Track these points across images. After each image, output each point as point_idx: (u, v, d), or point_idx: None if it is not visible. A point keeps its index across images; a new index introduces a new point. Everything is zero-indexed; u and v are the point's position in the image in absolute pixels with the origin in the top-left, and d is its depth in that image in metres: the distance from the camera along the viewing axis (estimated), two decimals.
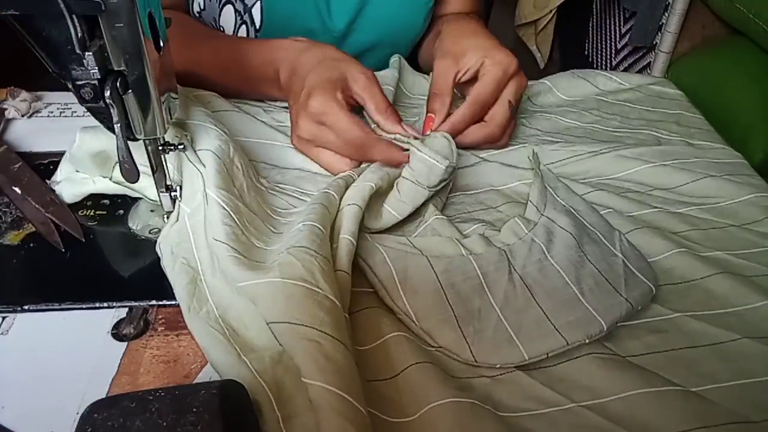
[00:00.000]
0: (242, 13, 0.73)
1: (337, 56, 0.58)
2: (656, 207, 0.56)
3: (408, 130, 0.55)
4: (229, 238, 0.44)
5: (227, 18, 0.73)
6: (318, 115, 0.54)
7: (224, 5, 0.72)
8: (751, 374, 0.41)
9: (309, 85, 0.55)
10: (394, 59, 0.73)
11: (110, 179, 0.52)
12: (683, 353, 0.43)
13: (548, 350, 0.41)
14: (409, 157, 0.53)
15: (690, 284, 0.48)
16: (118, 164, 0.51)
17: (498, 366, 0.41)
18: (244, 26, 0.74)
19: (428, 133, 0.57)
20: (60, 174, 0.53)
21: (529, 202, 0.54)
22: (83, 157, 0.50)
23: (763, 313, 0.45)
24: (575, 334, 0.42)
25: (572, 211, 0.52)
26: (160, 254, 0.47)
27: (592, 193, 0.57)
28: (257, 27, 0.73)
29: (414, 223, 0.53)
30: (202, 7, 0.73)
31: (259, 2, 0.72)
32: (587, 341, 0.42)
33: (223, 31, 0.75)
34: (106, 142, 0.49)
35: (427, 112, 0.60)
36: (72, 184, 0.52)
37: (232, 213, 0.46)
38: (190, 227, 0.47)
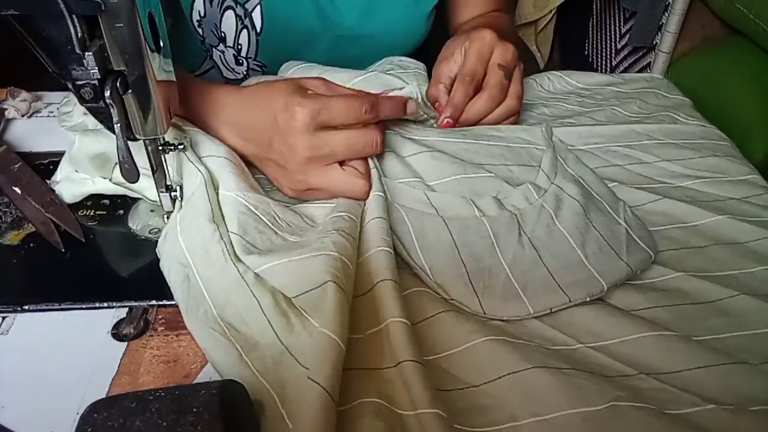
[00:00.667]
0: (243, 17, 0.73)
1: (275, 80, 0.57)
2: (661, 181, 0.58)
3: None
4: (244, 230, 0.45)
5: (228, 23, 0.73)
6: (312, 116, 0.49)
7: (225, 10, 0.72)
8: (748, 327, 0.44)
9: (279, 109, 0.50)
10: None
11: (110, 180, 0.52)
12: (683, 308, 0.45)
13: (552, 305, 0.44)
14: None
15: (690, 251, 0.51)
16: (117, 165, 0.51)
17: (505, 318, 0.44)
18: (245, 30, 0.74)
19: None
20: (60, 174, 0.53)
21: (540, 170, 0.56)
22: (82, 158, 0.50)
23: (762, 277, 0.48)
24: (577, 293, 0.45)
25: (581, 180, 0.55)
26: (159, 256, 0.47)
27: (601, 168, 0.60)
28: (258, 30, 0.73)
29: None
30: (202, 15, 0.73)
31: (259, 6, 0.72)
32: (588, 299, 0.45)
33: (224, 37, 0.75)
34: (106, 144, 0.49)
35: (430, 101, 0.61)
36: (72, 184, 0.52)
37: (252, 207, 0.47)
38: (179, 223, 0.46)
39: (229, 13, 0.73)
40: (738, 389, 0.39)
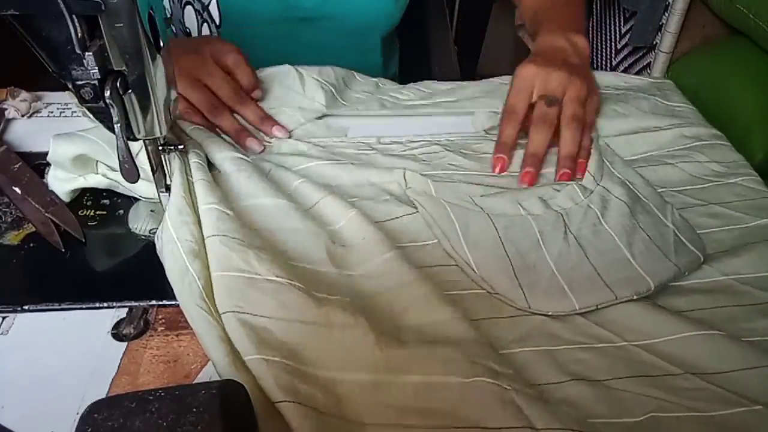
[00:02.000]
0: (201, 11, 0.73)
1: (206, 38, 0.61)
2: (709, 180, 0.58)
3: (264, 126, 0.59)
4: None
5: (190, 19, 0.74)
6: (219, 51, 0.58)
7: (185, 6, 0.73)
8: None
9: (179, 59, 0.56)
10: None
11: (103, 176, 0.52)
12: (728, 310, 0.45)
13: (598, 302, 0.44)
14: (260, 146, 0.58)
15: (737, 248, 0.50)
16: (99, 164, 0.52)
17: (550, 313, 0.44)
18: (205, 24, 0.74)
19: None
20: (49, 173, 0.53)
21: (587, 172, 0.56)
22: (62, 161, 0.51)
23: None
24: (624, 290, 0.45)
25: (627, 183, 0.55)
26: (158, 249, 0.47)
27: (646, 168, 0.59)
28: (217, 23, 0.73)
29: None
30: (170, 13, 0.74)
31: (214, 0, 0.71)
32: (635, 297, 0.44)
33: (190, 33, 0.75)
34: (83, 146, 0.50)
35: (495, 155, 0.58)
36: (61, 182, 0.53)
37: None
38: (169, 217, 0.46)
39: (189, 9, 0.73)
40: None
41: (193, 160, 0.50)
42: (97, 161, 0.52)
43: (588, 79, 0.61)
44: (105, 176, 0.52)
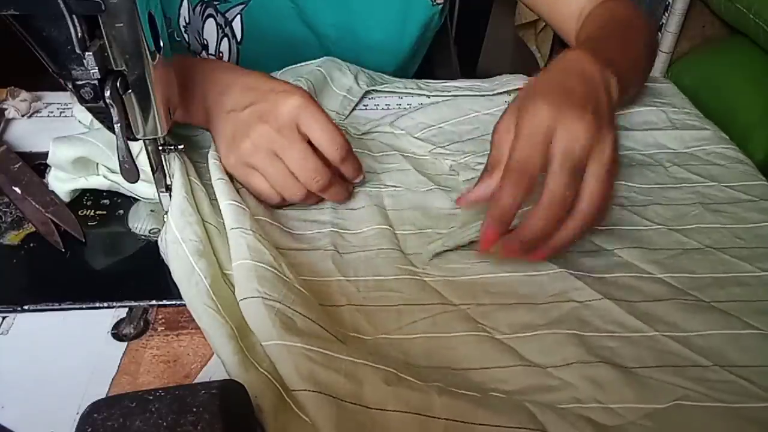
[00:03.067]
0: (223, 26, 0.73)
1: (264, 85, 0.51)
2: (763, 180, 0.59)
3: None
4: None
5: (210, 32, 0.73)
6: (294, 112, 0.47)
7: (206, 19, 0.72)
8: None
9: (276, 89, 0.49)
10: None
11: (104, 177, 0.52)
12: (765, 304, 0.46)
13: None
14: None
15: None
16: (99, 165, 0.52)
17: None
18: (225, 39, 0.74)
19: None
20: (51, 173, 0.53)
21: None
22: (62, 164, 0.51)
23: None
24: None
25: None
26: (162, 250, 0.47)
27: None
28: (238, 40, 0.73)
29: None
30: (187, 21, 0.74)
31: (239, 16, 0.71)
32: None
33: (207, 45, 0.75)
34: (82, 149, 0.50)
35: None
36: (62, 182, 0.53)
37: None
38: (171, 215, 0.46)
39: (210, 22, 0.73)
40: None
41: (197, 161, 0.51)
42: (97, 163, 0.52)
43: (614, 140, 0.44)
44: (106, 177, 0.52)
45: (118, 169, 0.49)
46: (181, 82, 0.47)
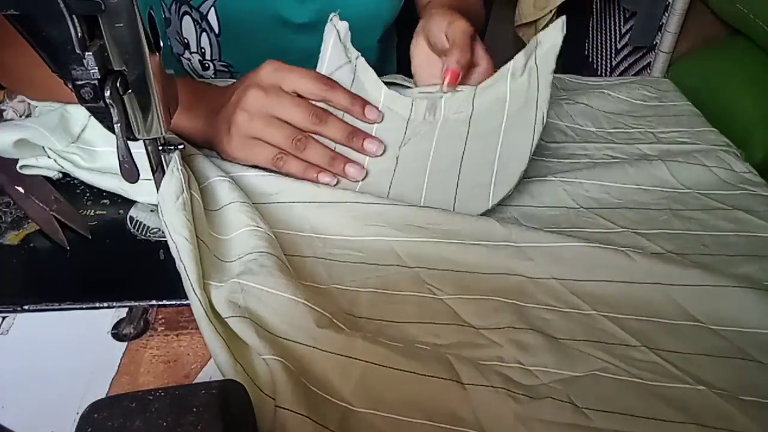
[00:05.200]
0: (200, 21, 0.72)
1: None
2: (742, 187, 0.59)
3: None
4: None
5: (188, 29, 0.73)
6: (272, 75, 0.52)
7: (183, 17, 0.72)
8: None
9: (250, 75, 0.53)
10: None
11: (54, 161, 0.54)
12: (713, 301, 0.45)
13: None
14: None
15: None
16: (46, 149, 0.53)
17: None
18: (204, 34, 0.73)
19: (457, 87, 0.58)
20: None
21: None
22: (6, 148, 0.52)
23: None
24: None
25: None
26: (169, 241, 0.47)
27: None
28: (216, 32, 0.73)
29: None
30: (168, 24, 0.74)
31: (213, 8, 0.71)
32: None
33: (188, 43, 0.75)
34: (21, 133, 0.52)
35: (448, 65, 0.57)
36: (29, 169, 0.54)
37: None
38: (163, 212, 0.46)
39: (187, 19, 0.73)
40: (740, 382, 0.39)
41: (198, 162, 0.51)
42: (43, 147, 0.53)
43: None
44: (56, 162, 0.53)
45: (66, 153, 0.53)
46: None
